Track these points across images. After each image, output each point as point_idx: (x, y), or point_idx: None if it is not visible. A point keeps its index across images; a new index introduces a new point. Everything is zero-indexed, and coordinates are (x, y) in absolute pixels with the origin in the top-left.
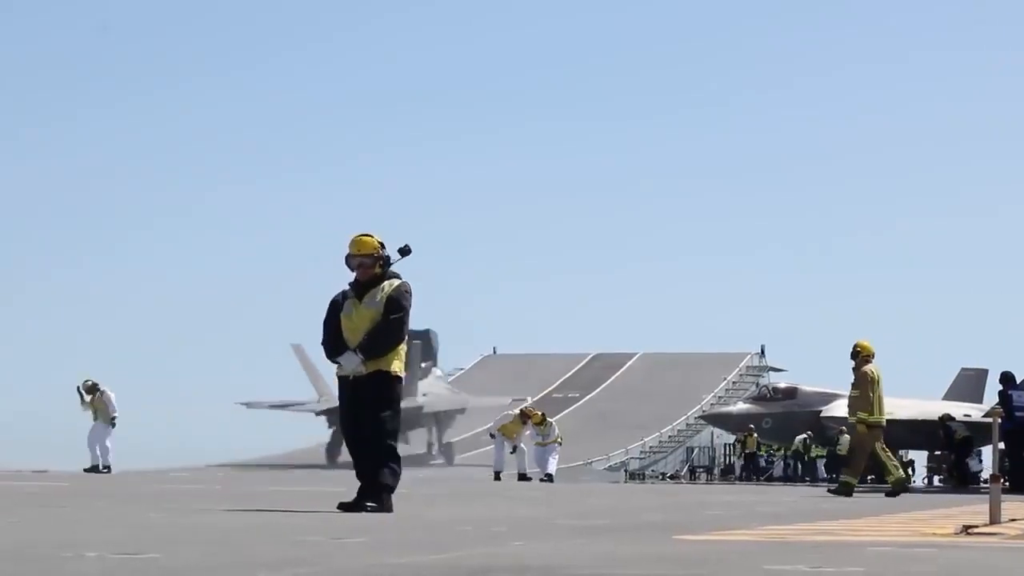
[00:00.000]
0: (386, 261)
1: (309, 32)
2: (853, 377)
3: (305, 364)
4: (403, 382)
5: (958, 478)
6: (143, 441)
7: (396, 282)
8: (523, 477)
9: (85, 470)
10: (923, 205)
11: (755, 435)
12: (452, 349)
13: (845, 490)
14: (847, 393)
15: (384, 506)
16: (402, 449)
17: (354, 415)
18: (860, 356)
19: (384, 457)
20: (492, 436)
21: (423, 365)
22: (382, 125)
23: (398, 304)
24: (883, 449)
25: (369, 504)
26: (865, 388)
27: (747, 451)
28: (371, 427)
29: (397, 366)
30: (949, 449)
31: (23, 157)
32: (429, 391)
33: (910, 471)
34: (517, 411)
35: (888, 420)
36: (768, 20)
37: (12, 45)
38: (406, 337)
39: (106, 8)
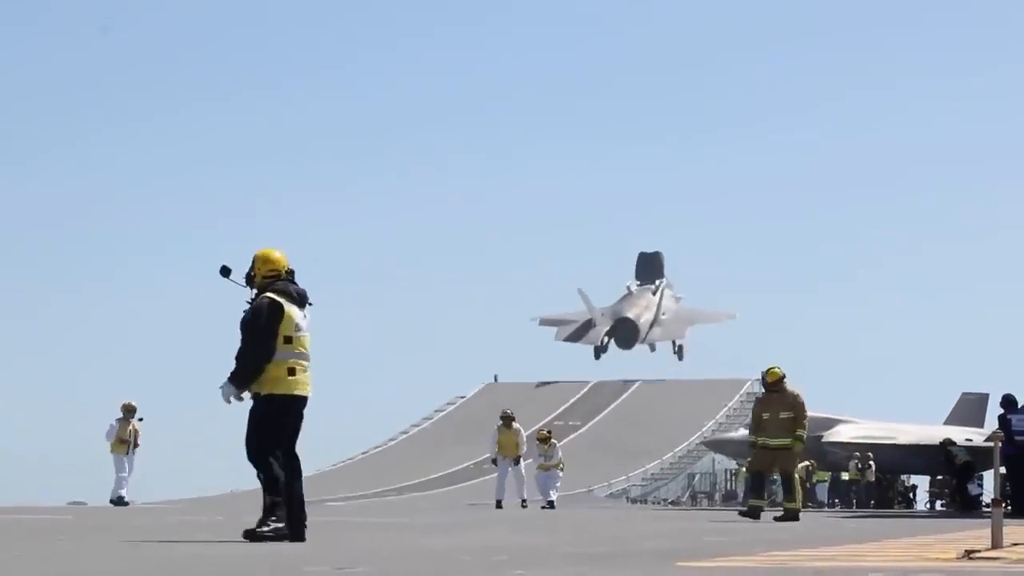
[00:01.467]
0: (247, 279)
1: (309, 31)
2: (782, 400)
3: None
4: (277, 402)
5: (960, 503)
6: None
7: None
8: (523, 503)
9: (112, 501)
10: (924, 231)
11: None
12: (452, 377)
13: (793, 515)
14: (847, 418)
15: (256, 533)
16: None
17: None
18: (781, 380)
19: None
20: (494, 463)
21: (656, 282)
22: (387, 151)
23: (242, 324)
24: (796, 474)
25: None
26: (802, 411)
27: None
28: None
29: (269, 387)
30: (950, 474)
31: (24, 162)
32: (667, 308)
33: (912, 496)
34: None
35: (890, 444)
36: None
37: (12, 45)
38: (265, 353)
39: (106, 9)
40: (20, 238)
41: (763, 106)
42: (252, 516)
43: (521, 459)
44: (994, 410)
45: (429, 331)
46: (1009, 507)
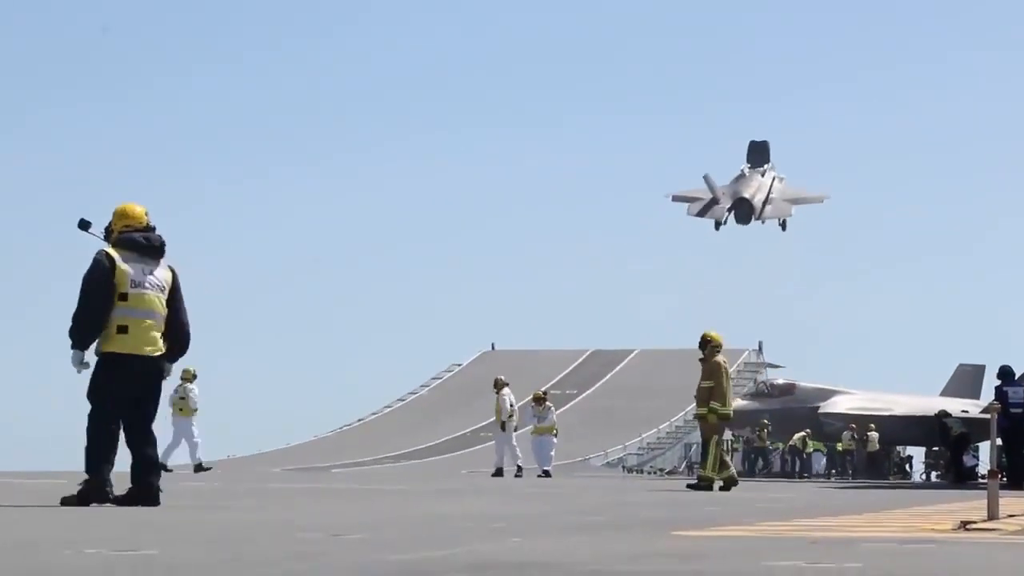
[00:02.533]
0: (106, 233)
1: (309, 30)
2: (702, 368)
3: None
4: (109, 360)
5: (954, 474)
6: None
7: None
8: (499, 472)
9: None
10: (920, 200)
11: (768, 430)
12: (449, 344)
13: (705, 485)
14: (844, 389)
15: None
16: None
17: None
18: (710, 346)
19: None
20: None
21: (765, 166)
22: (382, 119)
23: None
24: (717, 444)
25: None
26: (719, 379)
27: (757, 445)
28: None
29: (103, 345)
30: (945, 445)
31: (24, 156)
32: (775, 189)
33: (907, 467)
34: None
35: (886, 416)
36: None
37: (11, 45)
38: (94, 311)
39: (106, 9)
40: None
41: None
42: (248, 483)
43: (504, 425)
44: (990, 381)
45: (426, 298)
46: (1005, 478)
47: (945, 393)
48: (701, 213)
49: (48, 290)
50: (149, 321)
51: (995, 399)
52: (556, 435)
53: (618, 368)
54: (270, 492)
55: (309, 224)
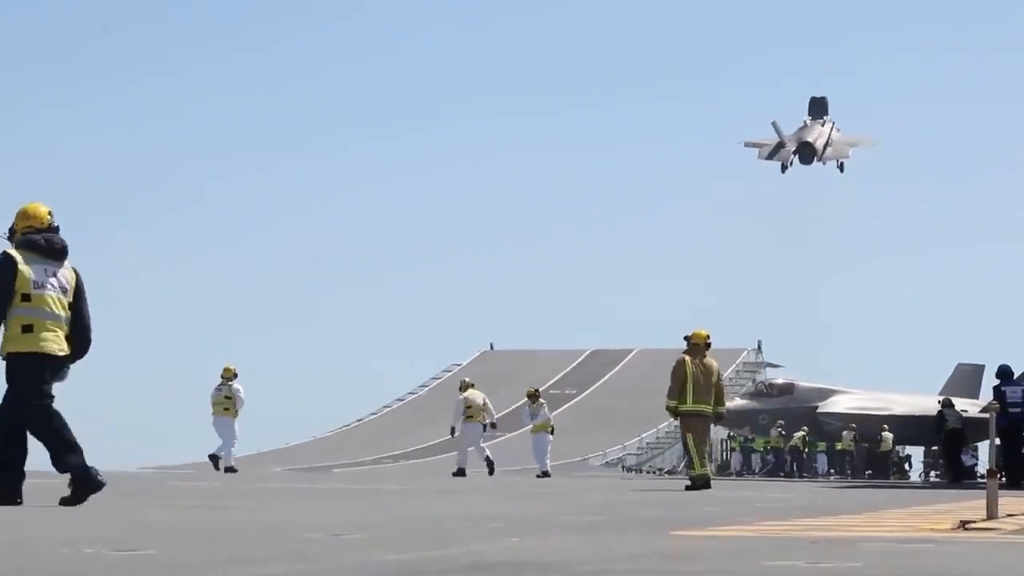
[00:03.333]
0: (9, 234)
1: (310, 26)
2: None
3: None
4: (16, 361)
5: (952, 473)
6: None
7: None
8: (461, 472)
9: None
10: (919, 199)
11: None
12: (448, 345)
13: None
14: (843, 389)
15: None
16: None
17: None
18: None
19: None
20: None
21: (824, 118)
22: (378, 118)
23: None
24: (695, 442)
25: None
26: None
27: (792, 445)
28: None
29: (8, 346)
30: (939, 440)
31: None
32: (833, 135)
33: (906, 466)
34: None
35: (885, 415)
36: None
37: (11, 45)
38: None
39: (106, 8)
40: None
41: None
42: (248, 483)
43: (453, 429)
44: (989, 381)
45: (425, 299)
46: (1003, 478)
47: (944, 392)
48: (770, 156)
49: None
50: (52, 322)
51: (994, 399)
52: (552, 432)
53: (617, 368)
54: (270, 492)
55: (307, 224)
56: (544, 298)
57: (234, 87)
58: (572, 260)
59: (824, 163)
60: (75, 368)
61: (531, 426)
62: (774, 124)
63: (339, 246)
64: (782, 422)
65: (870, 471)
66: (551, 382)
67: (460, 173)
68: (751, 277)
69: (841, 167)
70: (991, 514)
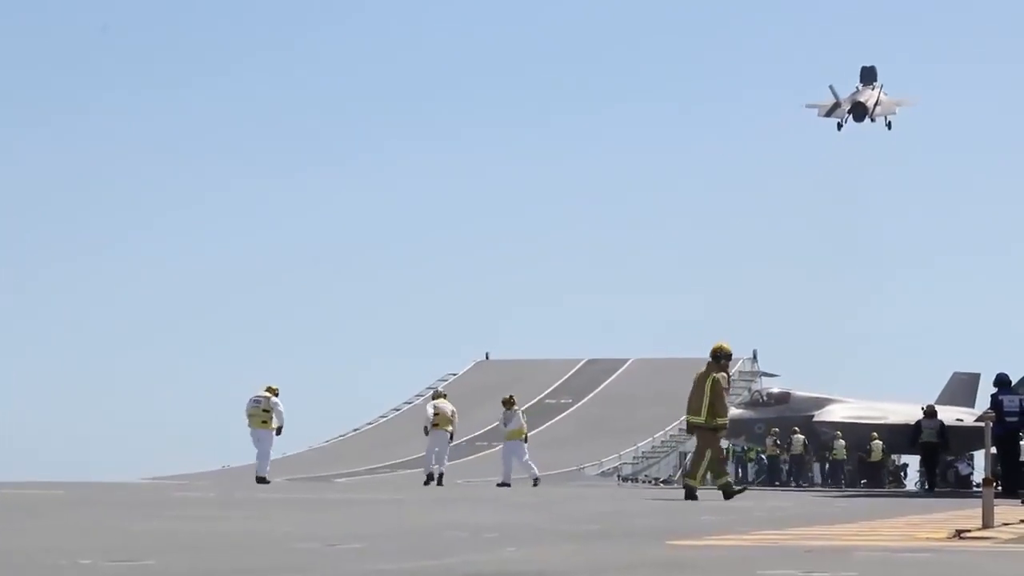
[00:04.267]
0: None
1: (311, 28)
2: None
3: None
4: None
5: (927, 483)
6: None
7: None
8: (431, 479)
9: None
10: (915, 208)
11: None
12: (444, 354)
13: (737, 490)
14: (838, 398)
15: None
16: None
17: None
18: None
19: None
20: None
21: (874, 84)
22: (377, 127)
23: None
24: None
25: None
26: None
27: (793, 454)
28: None
29: None
30: (914, 449)
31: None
32: (881, 96)
33: (902, 475)
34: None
35: (880, 424)
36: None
37: (11, 44)
38: None
39: (106, 8)
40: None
41: None
42: (245, 492)
43: (425, 430)
44: (985, 390)
45: (421, 308)
46: (999, 487)
47: (940, 401)
48: (827, 114)
49: (47, 296)
50: None
51: (991, 407)
52: (526, 440)
53: (613, 377)
54: (268, 502)
55: (303, 233)
56: (539, 307)
57: (236, 91)
58: (568, 269)
59: (874, 120)
60: (78, 380)
61: (505, 433)
62: (831, 87)
63: (334, 255)
64: (776, 430)
65: (865, 480)
66: (547, 391)
67: (456, 181)
68: (746, 287)
69: (889, 124)
70: (987, 523)
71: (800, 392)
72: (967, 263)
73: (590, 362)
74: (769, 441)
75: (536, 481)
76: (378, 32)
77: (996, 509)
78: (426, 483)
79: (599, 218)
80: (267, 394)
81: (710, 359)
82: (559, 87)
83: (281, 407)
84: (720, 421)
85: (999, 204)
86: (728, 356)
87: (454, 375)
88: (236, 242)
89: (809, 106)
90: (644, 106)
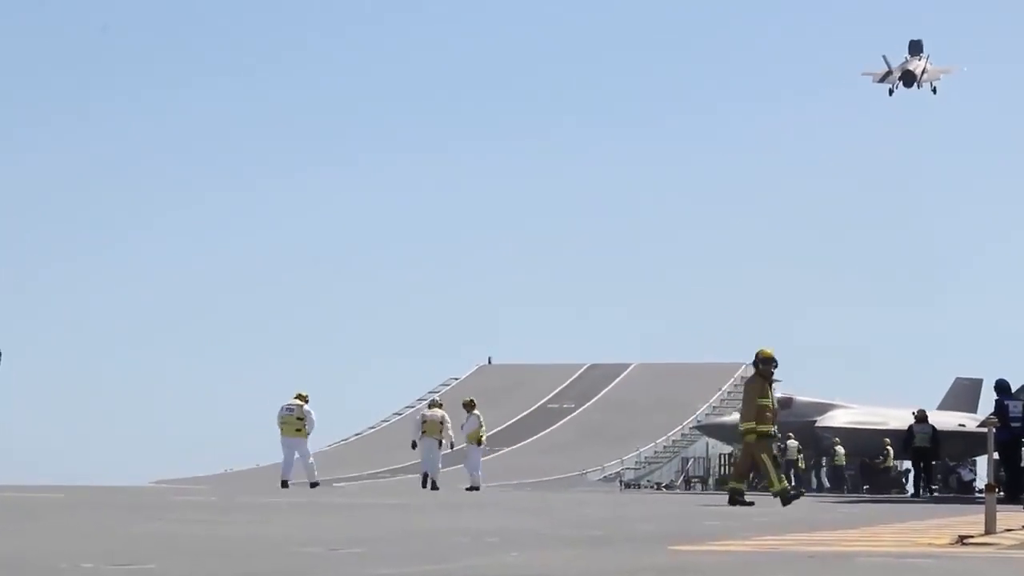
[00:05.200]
0: None
1: (313, 31)
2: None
3: None
4: None
5: (915, 488)
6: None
7: None
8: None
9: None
10: (917, 214)
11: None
12: (446, 359)
13: (792, 495)
14: (841, 403)
15: None
16: None
17: None
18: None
19: None
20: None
21: (921, 55)
22: (378, 131)
23: None
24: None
25: None
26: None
27: (788, 459)
28: None
29: None
30: (906, 455)
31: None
32: (927, 65)
33: (904, 480)
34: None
35: (882, 430)
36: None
37: (11, 44)
38: None
39: (106, 8)
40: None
41: None
42: (246, 496)
43: (414, 443)
44: (987, 395)
45: (423, 312)
46: (1001, 493)
47: (942, 407)
48: (880, 80)
49: (47, 298)
50: None
51: (995, 412)
52: (480, 444)
53: (615, 382)
54: (270, 506)
55: (305, 237)
56: (542, 312)
57: (238, 90)
58: (570, 274)
59: (920, 87)
60: (79, 382)
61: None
62: (884, 57)
63: (337, 258)
64: (792, 434)
65: (868, 486)
66: (549, 396)
67: (459, 184)
68: (748, 292)
69: (934, 90)
70: (989, 529)
71: (802, 397)
72: (970, 267)
73: (592, 367)
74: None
75: (473, 488)
76: (387, 33)
77: (999, 515)
78: (423, 485)
79: (602, 222)
80: (299, 402)
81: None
82: (567, 87)
83: (313, 415)
84: (744, 427)
85: (1002, 204)
86: (766, 360)
87: (456, 380)
88: (239, 244)
89: (865, 74)
90: (641, 111)
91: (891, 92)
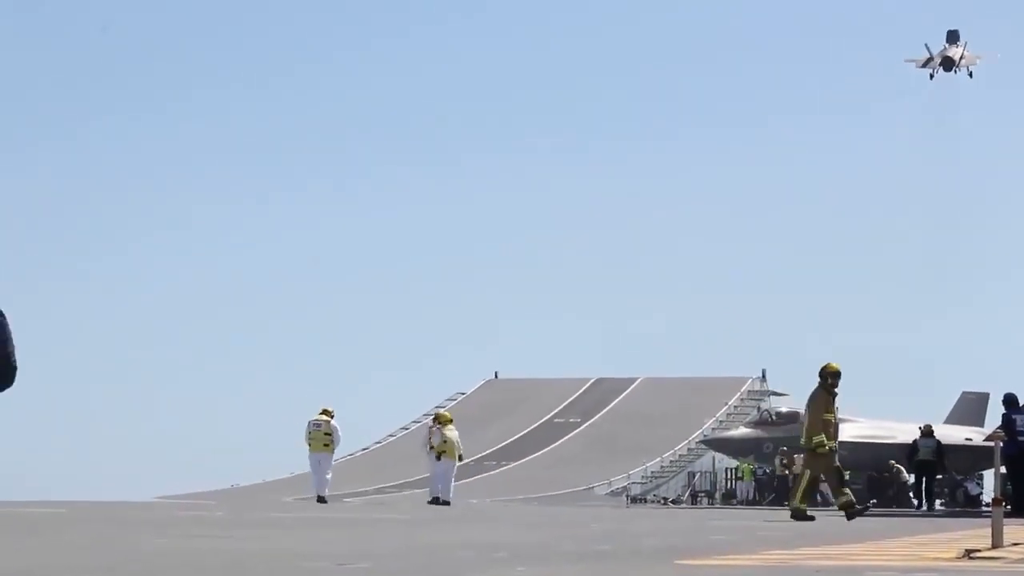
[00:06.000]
0: None
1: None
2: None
3: None
4: None
5: (917, 503)
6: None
7: None
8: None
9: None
10: (922, 227)
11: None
12: (453, 373)
13: (853, 511)
14: (846, 417)
15: None
16: None
17: None
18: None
19: None
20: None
21: (958, 42)
22: (387, 144)
23: None
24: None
25: None
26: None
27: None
28: None
29: None
30: (910, 467)
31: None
32: (964, 51)
33: (911, 495)
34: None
35: (888, 443)
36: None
37: (11, 44)
38: None
39: (106, 8)
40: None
41: None
42: (253, 512)
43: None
44: (994, 409)
45: (430, 327)
46: (1008, 507)
47: (949, 420)
48: (923, 66)
49: (51, 320)
50: None
51: (1002, 426)
52: (439, 457)
53: (622, 396)
54: (276, 521)
55: (312, 251)
56: (548, 327)
57: (246, 103)
58: (577, 288)
59: (957, 72)
60: (82, 397)
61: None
62: (926, 45)
63: (342, 272)
64: (784, 449)
65: (875, 500)
66: (555, 410)
67: (466, 199)
68: (755, 305)
69: (970, 74)
70: (996, 543)
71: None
72: (975, 281)
73: (599, 381)
74: (777, 461)
75: (434, 500)
76: (395, 46)
77: (1006, 529)
78: (431, 502)
79: (609, 236)
80: (326, 417)
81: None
82: (572, 98)
83: (340, 431)
84: (815, 440)
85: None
86: (834, 375)
87: (463, 394)
88: (244, 258)
89: (908, 60)
90: (643, 124)
91: (932, 76)
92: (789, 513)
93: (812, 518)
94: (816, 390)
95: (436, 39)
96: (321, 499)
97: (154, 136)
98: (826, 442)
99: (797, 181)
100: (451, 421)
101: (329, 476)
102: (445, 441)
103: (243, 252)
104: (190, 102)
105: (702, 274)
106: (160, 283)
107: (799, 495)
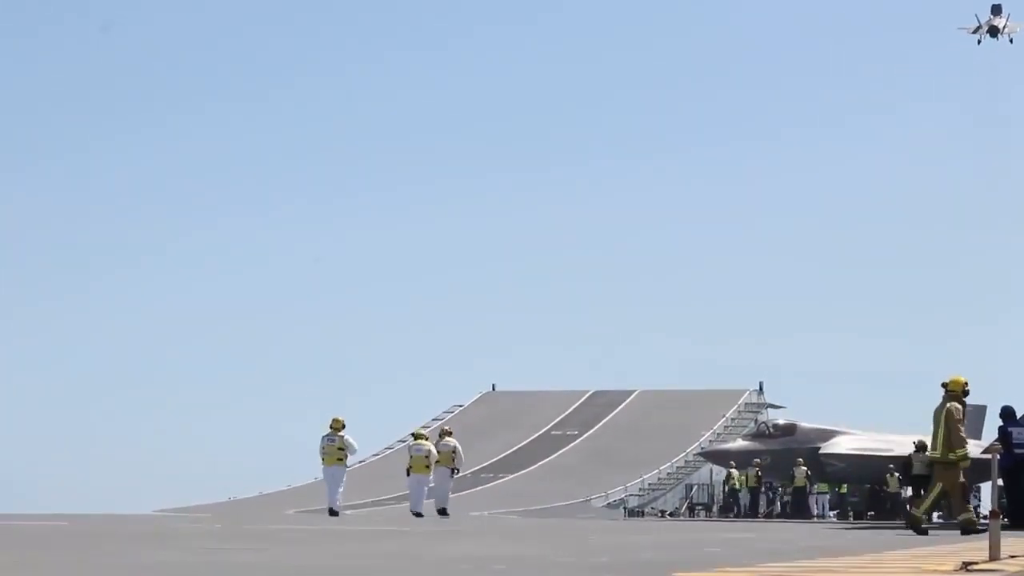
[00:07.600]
0: None
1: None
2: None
3: None
4: None
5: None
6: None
7: None
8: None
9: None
10: (919, 240)
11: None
12: (450, 385)
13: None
14: (845, 430)
15: None
16: None
17: None
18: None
19: None
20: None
21: (1001, 13)
22: (385, 161)
23: None
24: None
25: None
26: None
27: (796, 486)
28: None
29: None
30: (906, 481)
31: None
32: (1009, 24)
33: (908, 507)
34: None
35: (887, 456)
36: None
37: (11, 44)
38: None
39: (107, 8)
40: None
41: None
42: (252, 524)
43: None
44: (991, 421)
45: (427, 339)
46: (1006, 519)
47: None
48: (973, 32)
49: (50, 334)
50: None
51: (999, 439)
52: (413, 471)
53: (619, 409)
54: (274, 534)
55: (309, 266)
56: (545, 339)
57: (255, 118)
58: (574, 301)
59: (999, 39)
60: (81, 410)
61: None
62: (976, 15)
63: (342, 285)
64: (757, 460)
65: (872, 512)
66: (553, 423)
67: (463, 213)
68: (752, 318)
69: (1011, 40)
70: (993, 555)
71: (806, 423)
72: (971, 294)
73: (596, 394)
74: (751, 471)
75: (415, 514)
76: (399, 61)
77: (1003, 541)
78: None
79: (606, 251)
80: (338, 432)
81: (944, 391)
82: (570, 118)
83: (354, 443)
84: (958, 453)
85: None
86: (965, 389)
87: (460, 406)
88: (242, 273)
89: (960, 29)
90: (634, 141)
91: (979, 42)
92: (905, 521)
93: (926, 532)
94: (947, 403)
95: (440, 56)
96: (333, 512)
97: (163, 149)
98: (969, 455)
99: (794, 196)
100: (426, 438)
101: (342, 489)
102: (429, 455)
103: (242, 268)
104: (206, 114)
105: (699, 288)
106: (158, 298)
107: (926, 505)
